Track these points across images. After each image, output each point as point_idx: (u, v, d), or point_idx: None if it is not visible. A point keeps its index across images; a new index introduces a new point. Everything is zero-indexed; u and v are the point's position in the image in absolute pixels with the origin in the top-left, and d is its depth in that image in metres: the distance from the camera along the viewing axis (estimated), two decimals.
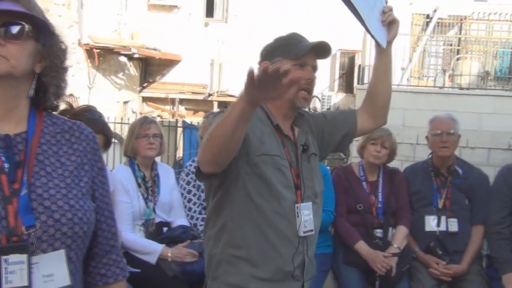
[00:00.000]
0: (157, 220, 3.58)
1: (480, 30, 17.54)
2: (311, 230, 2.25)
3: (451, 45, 17.29)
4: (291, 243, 2.20)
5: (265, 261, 2.17)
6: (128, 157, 3.64)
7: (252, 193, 2.14)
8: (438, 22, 17.25)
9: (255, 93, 1.70)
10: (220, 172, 2.05)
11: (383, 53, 2.39)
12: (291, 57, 2.23)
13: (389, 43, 2.36)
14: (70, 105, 3.04)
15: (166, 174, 3.75)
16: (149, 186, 3.59)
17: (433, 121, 3.83)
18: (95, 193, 1.61)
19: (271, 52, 2.27)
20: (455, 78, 12.73)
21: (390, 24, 2.34)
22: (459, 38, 16.97)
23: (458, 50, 16.35)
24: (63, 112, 2.97)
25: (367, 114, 2.51)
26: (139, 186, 3.54)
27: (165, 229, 3.61)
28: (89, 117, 3.02)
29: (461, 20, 17.51)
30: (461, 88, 11.08)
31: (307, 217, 2.24)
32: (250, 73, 1.65)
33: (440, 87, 11.30)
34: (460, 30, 17.62)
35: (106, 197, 1.65)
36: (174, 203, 3.70)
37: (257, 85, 1.67)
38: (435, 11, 17.14)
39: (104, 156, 3.44)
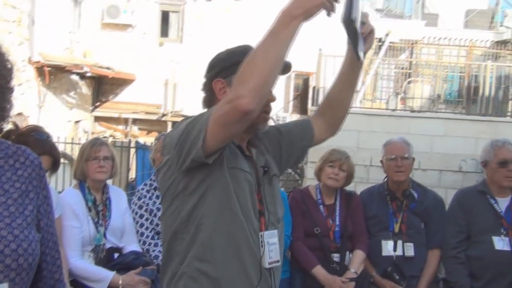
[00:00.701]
0: (108, 245, 3.43)
1: (431, 54, 18.05)
2: (277, 261, 2.11)
3: (402, 68, 17.67)
4: (258, 271, 2.03)
5: (232, 282, 1.99)
6: (78, 179, 3.50)
7: (234, 204, 1.97)
8: (390, 46, 17.63)
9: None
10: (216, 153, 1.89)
11: (357, 63, 2.25)
12: None
13: (365, 53, 2.22)
14: (16, 125, 2.90)
15: (118, 197, 3.62)
16: (100, 210, 3.45)
17: (387, 145, 3.83)
18: (40, 222, 1.51)
19: (228, 68, 2.05)
20: (406, 101, 13.00)
21: (368, 34, 2.19)
22: (410, 62, 17.38)
23: (409, 73, 16.72)
24: (9, 133, 2.84)
25: (325, 124, 2.38)
26: (89, 210, 3.40)
27: (116, 255, 3.47)
28: (36, 137, 2.89)
29: (412, 44, 17.96)
30: (412, 111, 11.30)
31: (272, 246, 2.08)
32: None
33: (393, 110, 11.50)
34: (411, 54, 18.06)
35: (51, 227, 1.56)
36: (126, 228, 3.57)
37: None
38: (387, 35, 17.51)
39: (53, 177, 3.34)
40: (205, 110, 2.07)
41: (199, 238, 1.98)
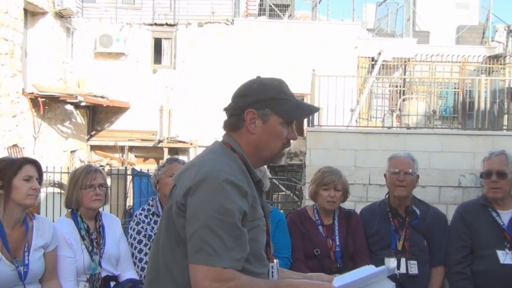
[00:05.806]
0: (103, 274, 3.33)
1: (424, 71, 18.08)
2: None
3: (396, 86, 17.69)
4: None
5: None
6: (70, 208, 3.41)
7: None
8: (383, 64, 17.67)
9: None
10: None
11: None
12: (282, 116, 2.13)
13: None
14: None
15: (112, 224, 3.53)
16: (93, 238, 3.36)
17: (392, 159, 3.78)
18: None
19: (263, 101, 2.11)
20: (402, 118, 12.96)
21: None
22: (404, 79, 17.41)
23: (403, 91, 16.73)
24: None
25: None
26: (83, 238, 3.31)
27: (112, 283, 3.38)
28: None
29: (405, 62, 18.00)
30: (408, 128, 11.25)
31: (275, 275, 2.14)
32: None
33: (389, 127, 11.46)
34: (405, 71, 18.09)
35: None
36: (122, 255, 3.48)
37: None
38: (379, 54, 17.56)
39: (49, 207, 3.26)
40: (225, 132, 2.17)
41: None
